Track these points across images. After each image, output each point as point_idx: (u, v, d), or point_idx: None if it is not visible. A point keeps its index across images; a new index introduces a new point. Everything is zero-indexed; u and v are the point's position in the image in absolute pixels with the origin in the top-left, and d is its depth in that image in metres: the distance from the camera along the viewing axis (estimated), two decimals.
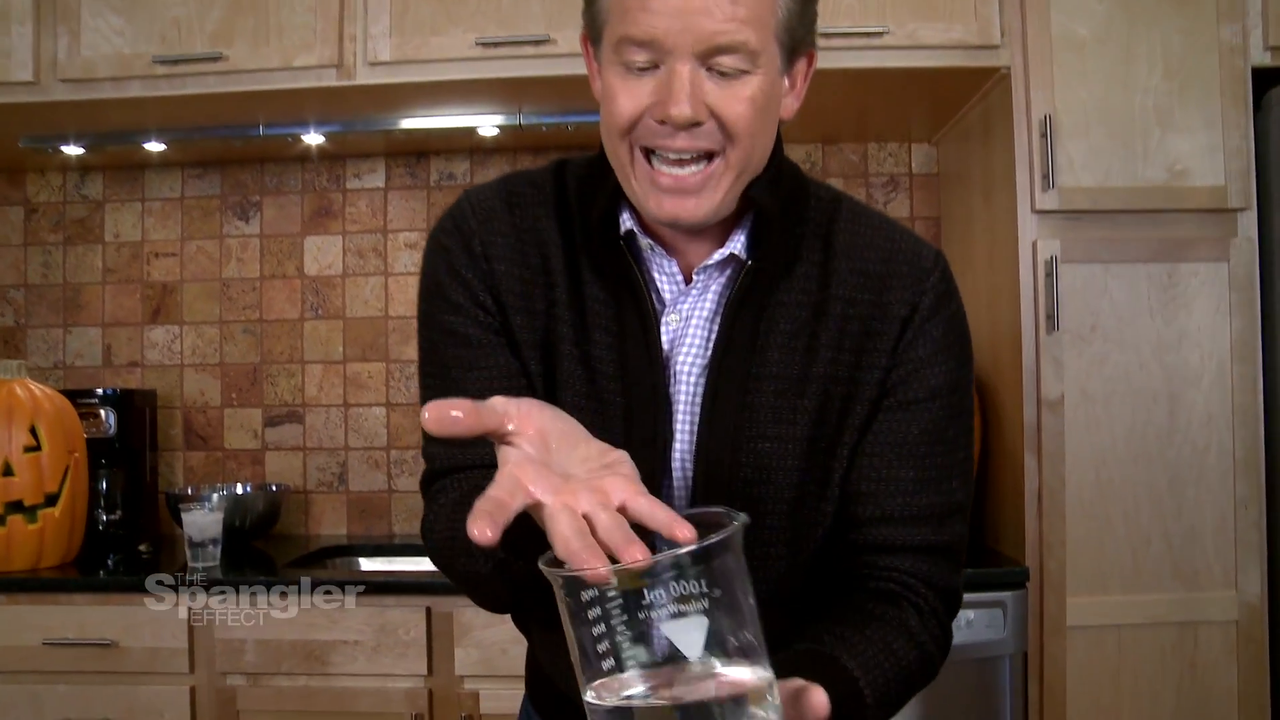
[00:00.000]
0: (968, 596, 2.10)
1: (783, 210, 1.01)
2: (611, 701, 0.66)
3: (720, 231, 1.02)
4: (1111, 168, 2.21)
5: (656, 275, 1.03)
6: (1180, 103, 2.21)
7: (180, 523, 2.52)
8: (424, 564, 2.65)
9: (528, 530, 0.71)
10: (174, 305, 2.98)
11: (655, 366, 0.99)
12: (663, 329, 1.01)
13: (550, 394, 1.00)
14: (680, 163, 0.93)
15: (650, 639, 0.65)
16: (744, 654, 0.66)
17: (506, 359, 1.01)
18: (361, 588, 2.21)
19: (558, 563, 0.66)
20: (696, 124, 0.91)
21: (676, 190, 0.93)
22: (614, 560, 0.64)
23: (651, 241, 1.01)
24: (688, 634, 0.65)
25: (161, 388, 2.95)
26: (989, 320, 2.38)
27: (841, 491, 1.02)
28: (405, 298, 2.89)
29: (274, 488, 2.80)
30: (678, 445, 1.01)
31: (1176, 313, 2.23)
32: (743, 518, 0.67)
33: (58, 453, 2.41)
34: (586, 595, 0.65)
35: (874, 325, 1.01)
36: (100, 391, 2.69)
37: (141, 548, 2.65)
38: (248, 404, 2.95)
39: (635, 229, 1.01)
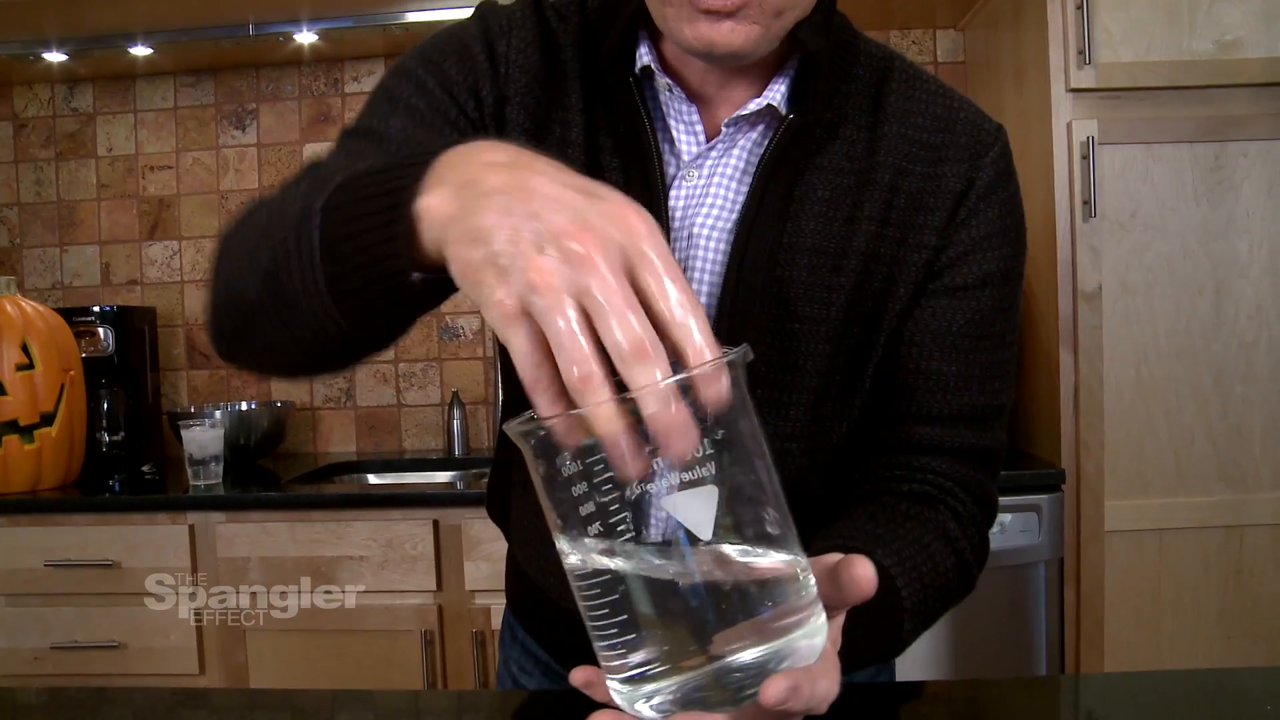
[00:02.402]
0: (1002, 500, 2.02)
1: (831, 59, 0.88)
2: (591, 569, 0.53)
3: (755, 83, 0.89)
4: (1154, 40, 2.05)
5: (674, 125, 0.90)
6: None
7: (182, 441, 2.46)
8: (434, 477, 2.58)
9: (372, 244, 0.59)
10: (172, 220, 2.89)
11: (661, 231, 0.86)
12: (678, 187, 0.89)
13: None
14: None
15: (647, 516, 0.52)
16: (764, 531, 0.54)
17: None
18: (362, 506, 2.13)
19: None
20: None
21: (713, 13, 0.79)
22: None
23: (671, 82, 0.88)
24: (692, 509, 0.52)
25: (162, 306, 2.87)
26: (1025, 208, 2.24)
27: (875, 384, 0.91)
28: None
29: (279, 404, 2.71)
30: None
31: (1224, 196, 2.08)
32: (742, 348, 0.53)
33: (52, 371, 2.33)
34: (560, 459, 0.52)
35: (925, 199, 0.88)
36: (97, 309, 2.60)
37: (145, 468, 2.59)
38: None
39: (654, 65, 0.88)
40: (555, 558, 0.56)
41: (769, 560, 0.54)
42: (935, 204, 0.88)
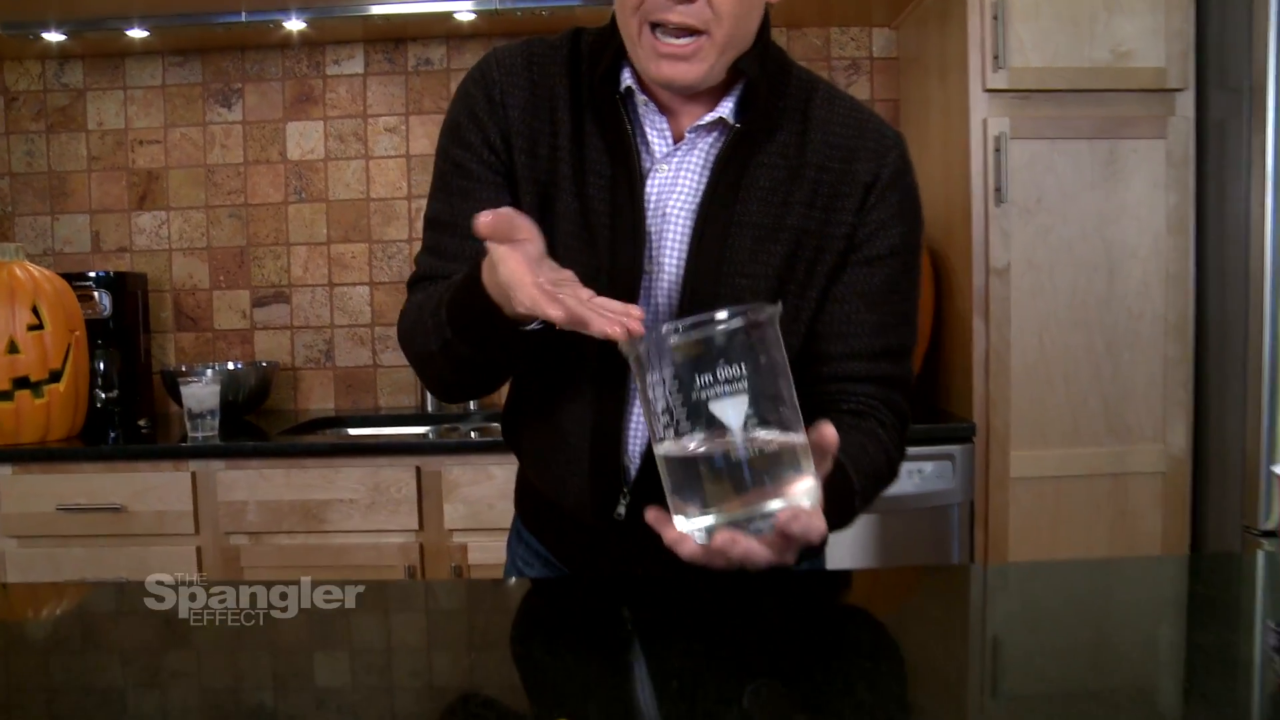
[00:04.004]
0: (920, 449, 2.31)
1: (767, 82, 1.16)
2: (669, 452, 0.87)
3: (710, 101, 1.17)
4: (1059, 49, 2.33)
5: (649, 130, 1.17)
6: None
7: (177, 398, 2.67)
8: (411, 430, 2.81)
9: (477, 318, 1.02)
10: (160, 191, 3.07)
11: (638, 206, 1.14)
12: (653, 178, 1.17)
13: (546, 226, 1.15)
14: (678, 34, 1.08)
15: (699, 411, 0.84)
16: (781, 423, 0.86)
17: (499, 194, 1.18)
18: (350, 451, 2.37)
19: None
20: (690, 1, 1.06)
21: (672, 56, 1.08)
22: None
23: (647, 99, 1.16)
24: (730, 409, 0.84)
25: (151, 272, 3.06)
26: (943, 194, 2.52)
27: (813, 331, 1.18)
28: (385, 180, 2.99)
29: (264, 364, 2.92)
30: (665, 277, 1.16)
31: (1116, 187, 2.38)
32: (777, 306, 0.87)
33: (59, 331, 2.53)
34: (651, 372, 0.86)
35: (841, 189, 1.17)
36: (93, 274, 2.79)
37: (140, 423, 2.79)
38: (235, 286, 3.06)
39: (634, 86, 1.16)
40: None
41: (782, 441, 0.86)
42: (850, 192, 1.17)
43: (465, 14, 2.75)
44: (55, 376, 2.52)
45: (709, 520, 0.86)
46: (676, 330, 0.84)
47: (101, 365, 2.79)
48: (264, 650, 1.06)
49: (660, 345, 0.85)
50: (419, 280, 1.22)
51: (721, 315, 0.84)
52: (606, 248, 1.15)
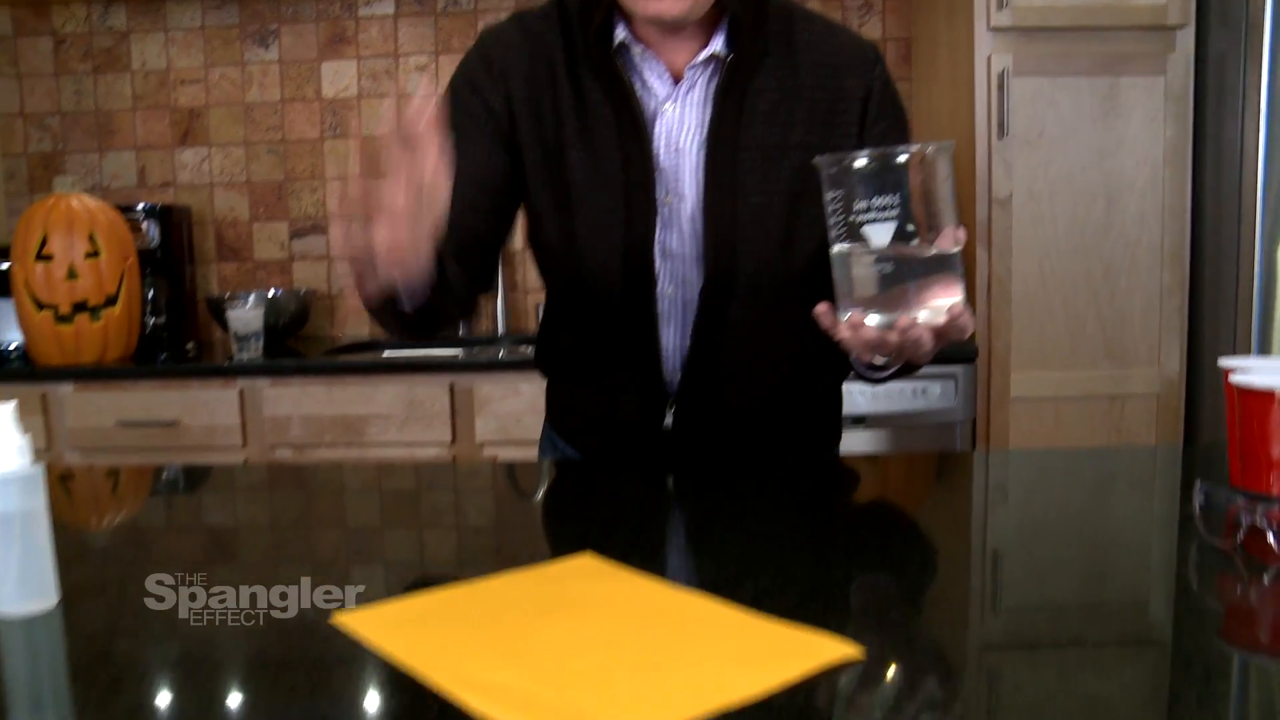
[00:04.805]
0: (925, 369, 2.42)
1: (748, 12, 1.26)
2: (836, 261, 1.04)
3: (701, 38, 1.26)
4: None
5: (649, 76, 1.26)
6: None
7: (222, 324, 2.82)
8: (444, 351, 2.96)
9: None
10: (201, 129, 3.22)
11: (646, 150, 1.25)
12: (660, 119, 1.26)
13: (559, 184, 1.27)
14: None
15: (855, 229, 1.01)
16: (932, 245, 1.00)
17: (487, 151, 1.27)
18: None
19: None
20: None
21: None
22: None
23: (643, 48, 1.25)
24: (879, 230, 1.00)
25: (194, 205, 3.21)
26: (950, 128, 2.64)
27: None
28: None
29: (303, 291, 3.08)
30: (687, 205, 1.27)
31: (1115, 122, 2.49)
32: (939, 143, 1.01)
33: (114, 259, 2.68)
34: (826, 191, 1.04)
35: (838, 105, 1.28)
36: (142, 206, 2.94)
37: (188, 347, 2.96)
38: (274, 218, 3.21)
39: (629, 40, 1.25)
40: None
41: (927, 258, 1.02)
42: (847, 108, 1.28)
43: None
44: (111, 301, 2.68)
45: (879, 314, 1.03)
46: (840, 160, 1.00)
47: (151, 293, 2.95)
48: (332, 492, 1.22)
49: (831, 168, 1.01)
50: None
51: (872, 152, 1.00)
52: (620, 192, 1.26)
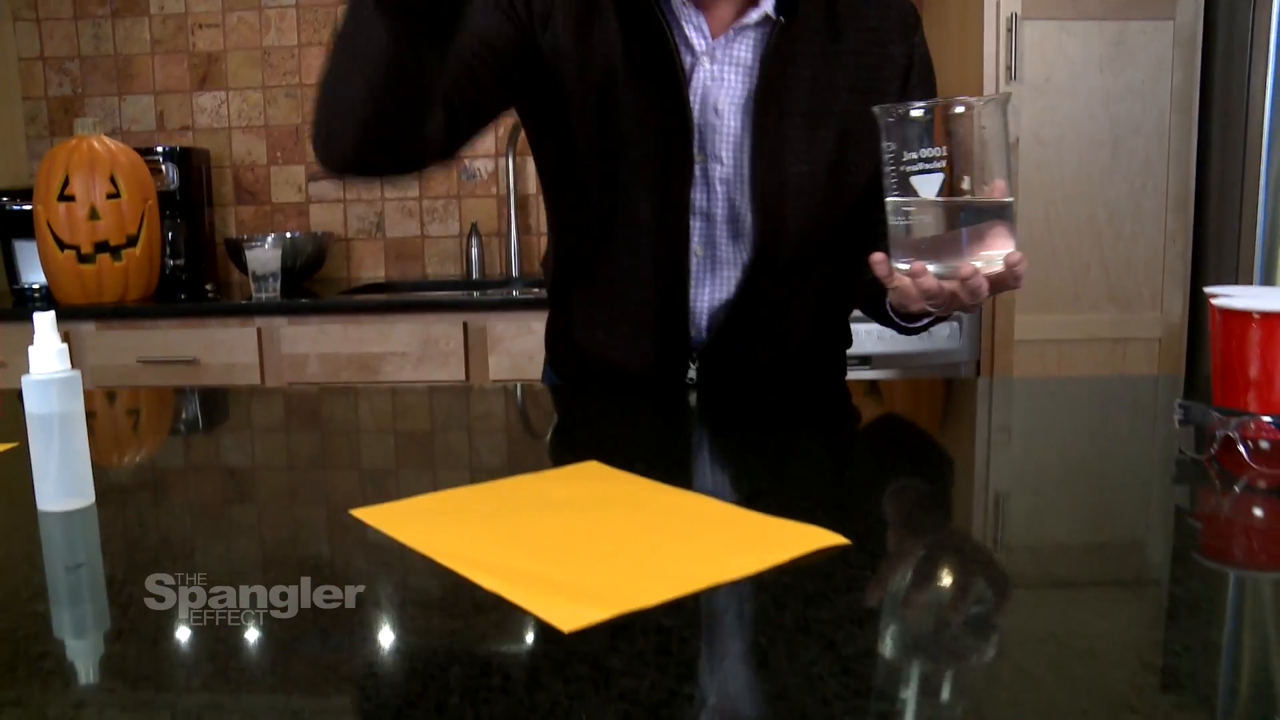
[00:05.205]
0: None
1: None
2: (894, 199, 1.04)
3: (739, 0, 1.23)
4: None
5: (687, 28, 1.23)
6: None
7: (240, 265, 2.88)
8: (458, 292, 3.01)
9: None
10: (219, 73, 3.25)
11: (684, 105, 1.22)
12: (697, 74, 1.24)
13: (606, 117, 1.24)
14: None
15: (905, 181, 1.02)
16: (980, 193, 1.01)
17: (501, 20, 1.21)
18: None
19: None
20: None
21: None
22: None
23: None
24: (927, 182, 1.01)
25: (212, 149, 3.26)
26: (959, 74, 2.66)
27: (871, 201, 1.27)
28: None
29: (320, 233, 3.13)
30: (722, 169, 1.25)
31: (1124, 67, 2.50)
32: (990, 96, 1.02)
33: (134, 200, 2.73)
34: (882, 140, 1.03)
35: (882, 73, 1.26)
36: (161, 149, 2.99)
37: (207, 287, 3.01)
38: (291, 162, 3.26)
39: None
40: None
41: (975, 204, 1.03)
42: (890, 74, 1.28)
43: None
44: (132, 241, 2.73)
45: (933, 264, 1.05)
46: (894, 110, 1.02)
47: (170, 235, 3.00)
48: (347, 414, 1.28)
49: (884, 119, 1.03)
50: None
51: (921, 104, 1.01)
52: (656, 140, 1.24)
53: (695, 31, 1.24)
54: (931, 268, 1.02)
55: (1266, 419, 0.96)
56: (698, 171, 1.25)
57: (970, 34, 2.58)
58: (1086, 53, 2.49)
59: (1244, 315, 1.01)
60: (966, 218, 1.02)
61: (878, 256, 1.07)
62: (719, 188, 1.26)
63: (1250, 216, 2.39)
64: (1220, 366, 1.05)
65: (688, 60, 1.24)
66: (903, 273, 1.05)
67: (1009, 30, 2.45)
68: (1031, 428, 1.26)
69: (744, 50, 1.24)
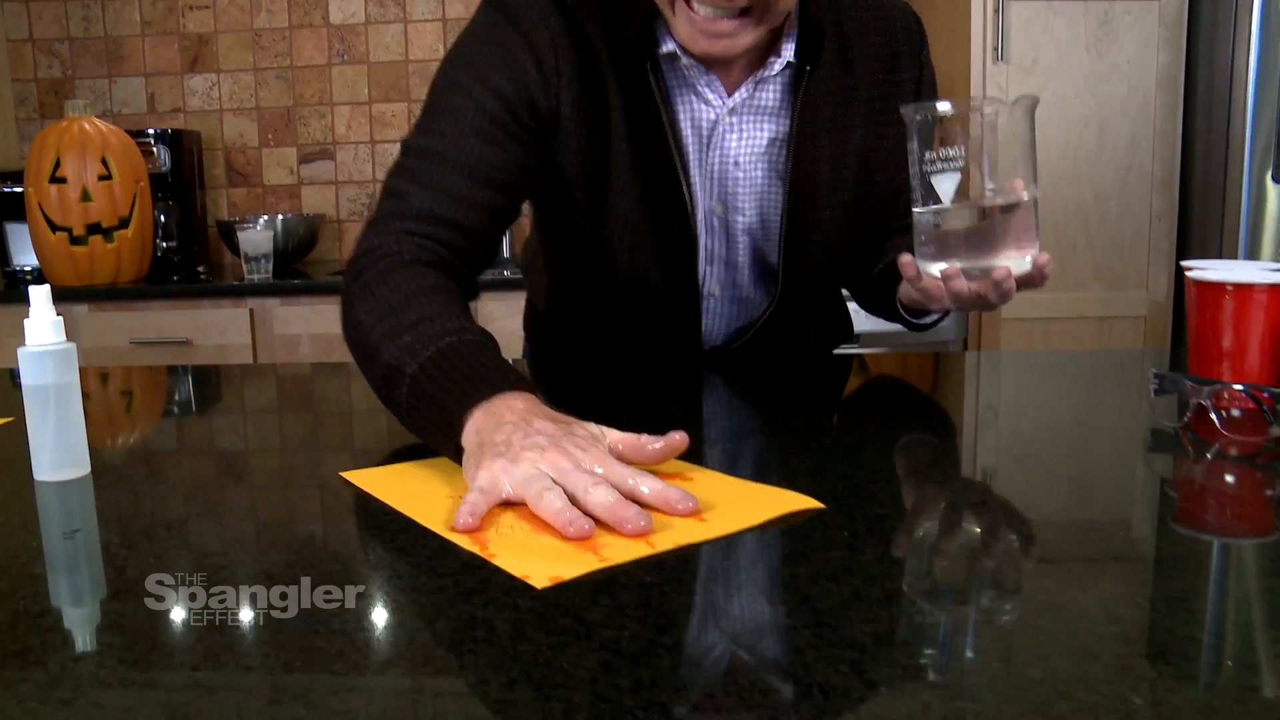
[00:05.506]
0: None
1: (820, 19, 1.15)
2: (917, 200, 1.02)
3: (756, 51, 1.15)
4: None
5: (701, 87, 1.16)
6: None
7: (232, 247, 2.89)
8: None
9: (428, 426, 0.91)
10: (210, 55, 3.26)
11: (678, 175, 1.17)
12: (718, 128, 1.17)
13: (600, 186, 1.18)
14: (717, 5, 1.04)
15: (926, 181, 1.00)
16: (999, 198, 1.01)
17: (528, 155, 1.14)
18: None
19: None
20: None
21: (714, 34, 1.06)
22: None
23: (691, 60, 1.14)
24: (944, 182, 1.00)
25: (204, 131, 3.26)
26: (946, 56, 2.67)
27: (894, 209, 1.25)
28: (423, 43, 3.15)
29: (311, 215, 3.14)
30: (741, 220, 1.22)
31: (1110, 48, 2.52)
32: (1029, 98, 1.01)
33: (126, 182, 2.74)
34: (908, 141, 1.01)
35: (891, 102, 1.20)
36: (153, 131, 2.99)
37: (199, 269, 3.02)
38: (283, 144, 3.26)
39: (678, 49, 1.12)
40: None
41: (998, 204, 1.02)
42: (901, 98, 1.20)
43: None
44: (124, 223, 2.74)
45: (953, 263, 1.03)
46: (918, 110, 1.00)
47: (162, 217, 3.01)
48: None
49: (915, 116, 1.01)
50: (389, 217, 1.14)
51: (945, 103, 1.00)
52: (656, 224, 1.20)
53: (711, 90, 1.17)
54: (964, 269, 1.01)
55: (1238, 387, 0.98)
56: (716, 224, 1.23)
57: (958, 15, 2.60)
58: (1073, 33, 2.51)
59: (1218, 287, 1.03)
60: (995, 219, 1.02)
61: (905, 259, 1.05)
62: (742, 238, 1.24)
63: (1234, 195, 2.41)
64: (1195, 338, 1.07)
65: (706, 115, 1.18)
66: (933, 276, 1.03)
67: (996, 11, 2.46)
68: (1016, 399, 1.28)
69: (768, 100, 1.18)
